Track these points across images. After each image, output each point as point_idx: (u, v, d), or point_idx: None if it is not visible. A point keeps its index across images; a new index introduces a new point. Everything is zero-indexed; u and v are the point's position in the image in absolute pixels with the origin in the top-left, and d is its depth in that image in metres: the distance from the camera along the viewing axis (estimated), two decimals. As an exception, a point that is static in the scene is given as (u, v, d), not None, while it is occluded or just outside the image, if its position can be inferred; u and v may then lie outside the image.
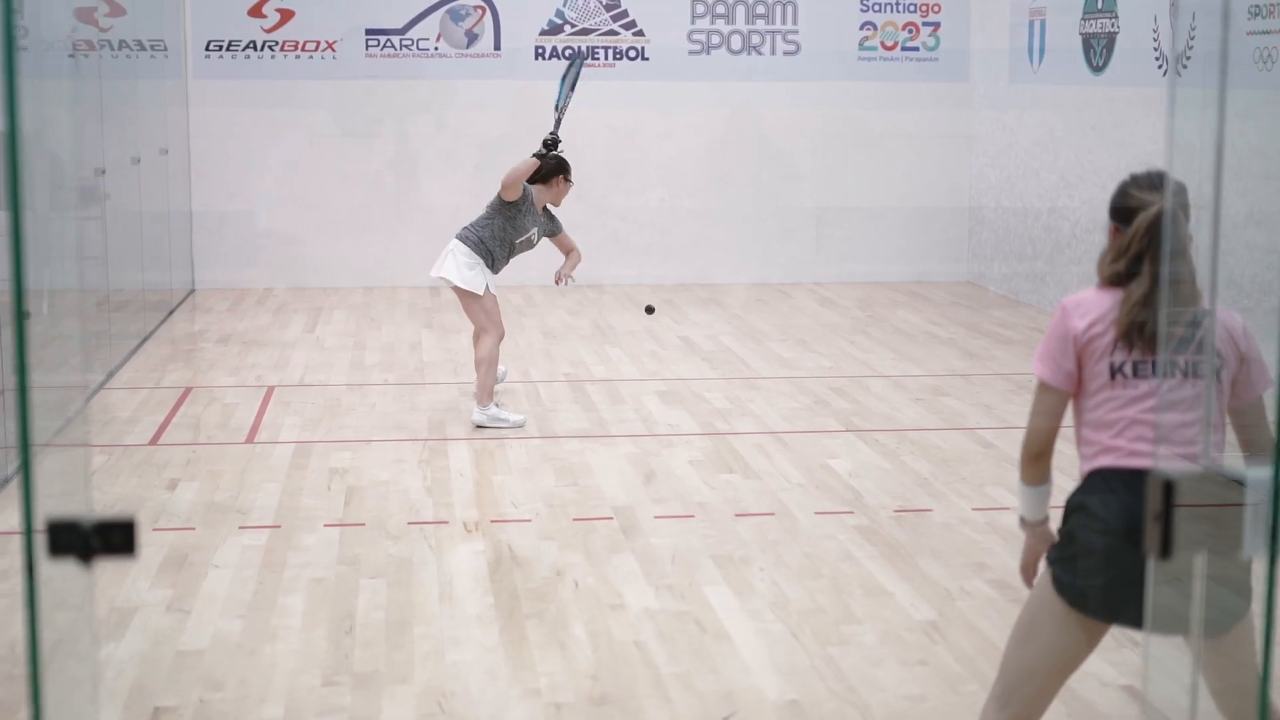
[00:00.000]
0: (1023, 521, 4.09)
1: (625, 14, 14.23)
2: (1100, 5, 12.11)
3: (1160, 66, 11.13)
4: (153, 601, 6.01)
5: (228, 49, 13.92)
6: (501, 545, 6.72)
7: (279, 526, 6.97)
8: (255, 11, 13.90)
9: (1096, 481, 3.81)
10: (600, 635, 5.68)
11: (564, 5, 14.22)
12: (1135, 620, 3.65)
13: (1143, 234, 3.82)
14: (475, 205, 14.25)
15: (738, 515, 7.17)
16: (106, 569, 6.36)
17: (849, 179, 14.62)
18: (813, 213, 14.61)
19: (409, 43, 14.06)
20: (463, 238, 8.94)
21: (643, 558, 6.55)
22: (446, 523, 7.04)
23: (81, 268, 12.78)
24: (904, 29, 14.51)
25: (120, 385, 10.03)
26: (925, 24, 14.53)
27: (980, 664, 5.42)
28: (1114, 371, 3.81)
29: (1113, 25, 11.89)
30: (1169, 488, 2.39)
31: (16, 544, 6.68)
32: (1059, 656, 3.85)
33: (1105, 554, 3.71)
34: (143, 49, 13.50)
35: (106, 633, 5.67)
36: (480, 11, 14.10)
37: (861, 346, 11.42)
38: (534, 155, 8.86)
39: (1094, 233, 12.21)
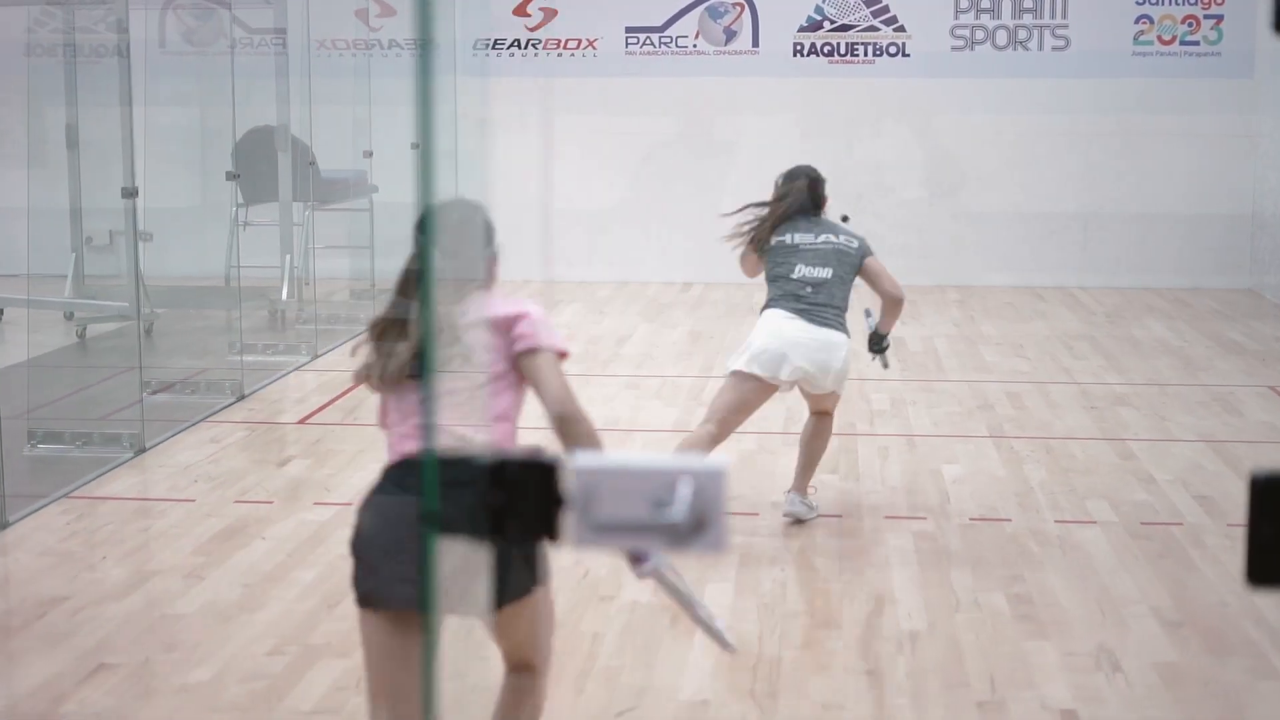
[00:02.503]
0: None
1: (886, 9, 13.98)
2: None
3: None
4: (178, 567, 6.27)
5: (493, 47, 14.32)
6: (545, 533, 6.73)
7: (350, 504, 7.16)
8: (520, 10, 14.25)
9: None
10: (565, 625, 5.62)
11: (823, 1, 14.06)
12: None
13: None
14: (725, 203, 14.30)
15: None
16: (159, 535, 6.70)
17: (1121, 181, 13.97)
18: (1079, 216, 14.02)
19: (668, 40, 14.17)
20: (842, 325, 6.96)
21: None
22: (510, 508, 7.09)
23: (346, 257, 13.41)
24: (1183, 22, 13.77)
25: (315, 368, 10.45)
26: (1207, 17, 13.75)
27: (931, 679, 5.15)
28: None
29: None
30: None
31: (104, 508, 7.09)
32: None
33: None
34: (415, 47, 14.03)
35: (116, 593, 5.97)
36: (739, 8, 14.09)
37: (1077, 353, 10.91)
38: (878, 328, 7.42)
39: (1355, 239, 11.34)
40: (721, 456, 1.77)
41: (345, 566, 6.28)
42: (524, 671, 4.05)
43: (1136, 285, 13.87)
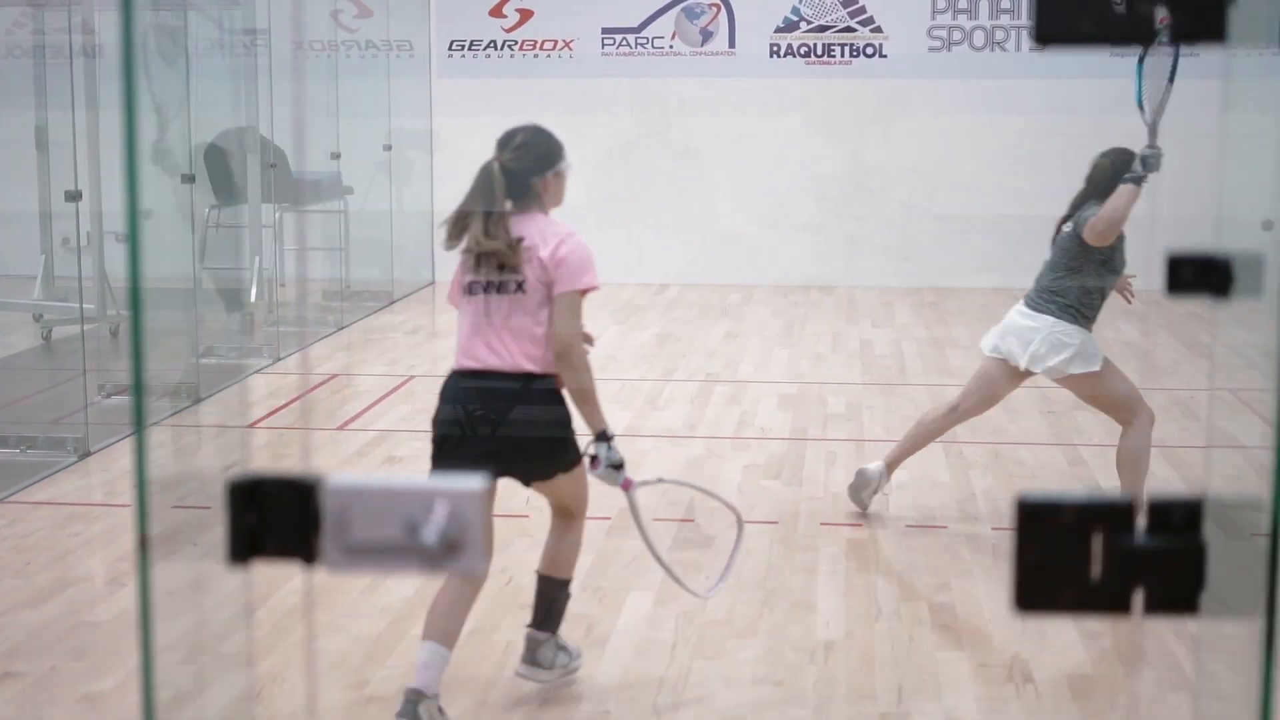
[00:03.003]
0: None
1: (863, 10, 13.92)
2: (1334, -6, 11.15)
3: (1381, 60, 10.18)
4: (103, 574, 6.25)
5: (469, 48, 14.28)
6: (476, 539, 6.70)
7: (286, 510, 7.12)
8: (496, 12, 14.22)
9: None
10: (479, 633, 5.60)
11: (800, 2, 14.00)
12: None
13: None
14: (709, 204, 14.31)
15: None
16: (90, 541, 6.67)
17: (1099, 181, 13.88)
18: (1058, 217, 13.92)
19: (644, 41, 14.12)
20: (1057, 307, 6.80)
21: (604, 559, 6.42)
22: (445, 514, 7.05)
23: (318, 259, 13.39)
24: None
25: (277, 370, 10.42)
26: (1185, 17, 13.64)
27: (838, 689, 5.11)
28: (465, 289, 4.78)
29: (1344, 16, 10.93)
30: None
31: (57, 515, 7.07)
32: None
33: None
34: (390, 49, 14.02)
35: (35, 600, 5.94)
36: (715, 9, 14.04)
37: (1043, 356, 10.85)
38: (1129, 181, 6.77)
39: (1326, 241, 11.25)
40: (478, 478, 1.77)
41: (271, 571, 6.27)
42: (566, 516, 5.00)
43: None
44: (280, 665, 5.32)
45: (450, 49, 14.31)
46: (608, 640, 5.54)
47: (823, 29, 13.95)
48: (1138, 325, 12.14)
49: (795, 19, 14.00)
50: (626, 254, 14.23)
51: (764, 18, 14.03)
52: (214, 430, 8.73)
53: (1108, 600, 2.03)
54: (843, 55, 13.95)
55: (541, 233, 4.73)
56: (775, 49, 14.05)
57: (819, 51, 13.97)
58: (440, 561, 2.37)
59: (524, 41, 14.24)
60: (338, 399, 9.54)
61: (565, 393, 4.75)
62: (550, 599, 5.01)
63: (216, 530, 5.75)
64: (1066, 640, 5.52)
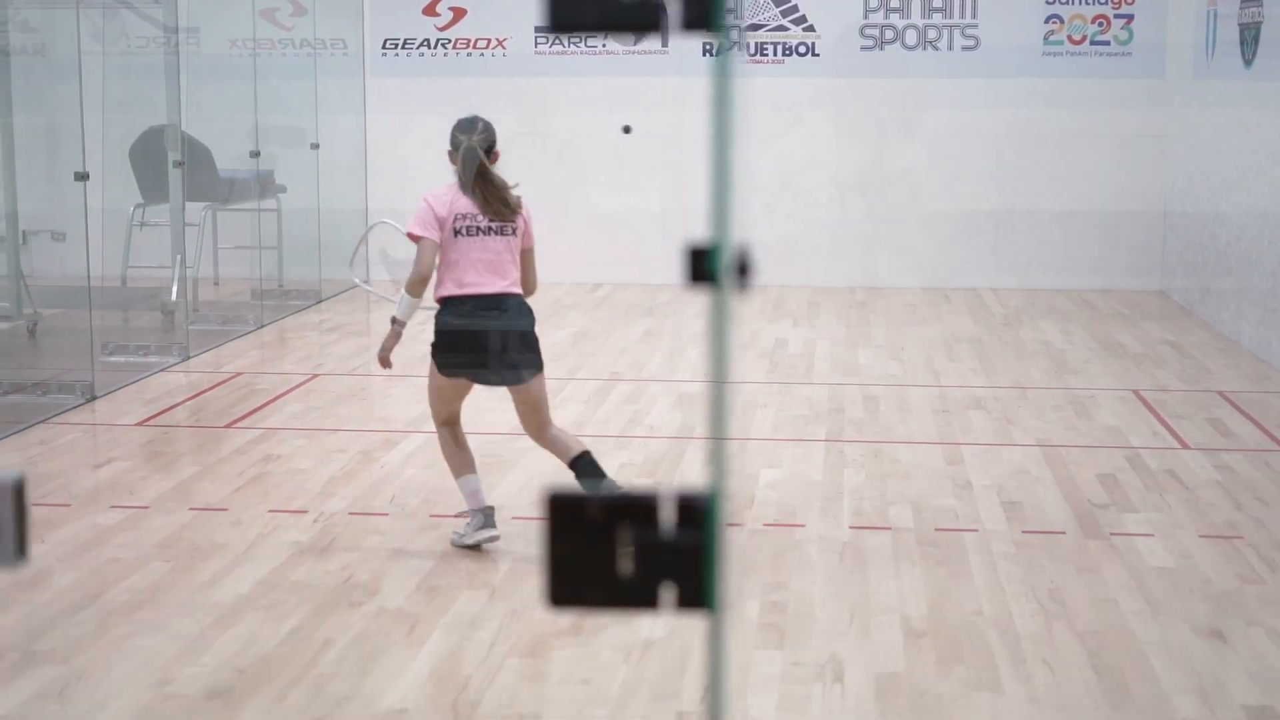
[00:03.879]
0: (395, 321, 6.59)
1: (795, 8, 13.89)
2: (1250, -7, 11.13)
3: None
4: (-58, 571, 6.22)
5: (403, 47, 14.26)
6: (328, 537, 6.68)
7: (148, 507, 7.11)
8: (429, 10, 14.20)
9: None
10: (302, 630, 5.58)
11: (733, 1, 13.95)
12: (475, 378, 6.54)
13: (461, 160, 6.37)
14: (645, 203, 14.27)
15: (596, 520, 6.91)
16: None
17: (1031, 181, 13.87)
18: (991, 216, 13.92)
19: (577, 40, 14.08)
20: None
21: (452, 558, 6.40)
22: (305, 512, 7.03)
23: (250, 257, 13.37)
24: (1093, 22, 13.65)
25: (183, 369, 10.39)
26: (1117, 16, 13.63)
27: (643, 689, 5.08)
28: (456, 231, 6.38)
29: (1258, 15, 10.91)
30: None
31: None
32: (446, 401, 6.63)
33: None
34: (324, 47, 14.00)
35: None
36: (648, 8, 13.99)
37: (954, 356, 10.83)
38: None
39: (1243, 240, 11.23)
40: (13, 471, 1.75)
41: (113, 570, 6.26)
42: (545, 432, 6.47)
43: (1049, 287, 13.78)
44: (91, 663, 5.29)
45: (384, 47, 14.29)
46: (428, 638, 5.52)
47: (756, 27, 13.92)
48: (1060, 325, 12.12)
49: (727, 18, 13.94)
50: (560, 253, 14.17)
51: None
52: (101, 428, 8.70)
53: (635, 595, 2.02)
54: (775, 54, 13.93)
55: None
56: (708, 47, 14.00)
57: (752, 50, 13.94)
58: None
59: (457, 40, 14.21)
60: (235, 397, 9.51)
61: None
62: (589, 469, 6.36)
63: (68, 527, 5.76)
64: (888, 640, 5.50)
